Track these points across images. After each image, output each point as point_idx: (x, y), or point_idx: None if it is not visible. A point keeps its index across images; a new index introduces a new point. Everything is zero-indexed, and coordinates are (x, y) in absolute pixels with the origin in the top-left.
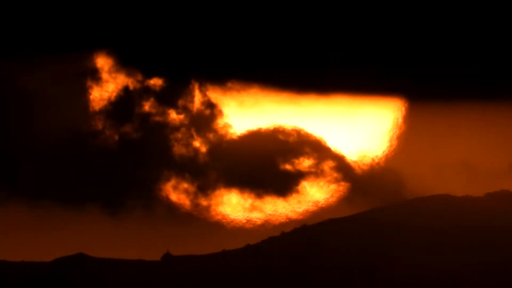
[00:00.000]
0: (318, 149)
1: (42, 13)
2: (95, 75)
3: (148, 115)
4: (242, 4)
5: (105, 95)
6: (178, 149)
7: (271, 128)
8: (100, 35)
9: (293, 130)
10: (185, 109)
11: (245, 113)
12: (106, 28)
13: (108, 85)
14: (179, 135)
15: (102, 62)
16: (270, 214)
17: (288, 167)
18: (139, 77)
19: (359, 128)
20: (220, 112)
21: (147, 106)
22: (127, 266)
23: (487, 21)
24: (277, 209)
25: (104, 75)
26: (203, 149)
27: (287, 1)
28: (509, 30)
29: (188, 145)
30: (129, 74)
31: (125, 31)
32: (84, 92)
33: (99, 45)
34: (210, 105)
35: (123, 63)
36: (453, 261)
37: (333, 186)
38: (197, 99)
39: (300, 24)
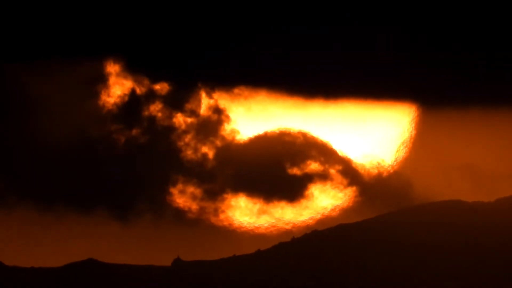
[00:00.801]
0: (326, 154)
1: (51, 19)
2: (103, 80)
3: (155, 120)
4: (249, 10)
5: (113, 100)
6: (186, 154)
7: (277, 131)
8: (108, 41)
9: (299, 133)
10: (193, 114)
11: (252, 118)
12: (113, 33)
13: (115, 90)
14: (187, 140)
15: (110, 67)
16: (278, 219)
17: (295, 171)
18: (146, 82)
19: (368, 133)
20: (227, 117)
21: (154, 111)
22: (138, 272)
23: (497, 28)
24: (285, 214)
25: (112, 80)
26: (211, 154)
27: (294, 8)
28: None
29: (196, 150)
30: (136, 79)
31: (132, 36)
32: (92, 97)
33: (107, 51)
34: (217, 111)
35: (131, 68)
36: (464, 267)
37: (341, 191)
38: (204, 104)
39: (307, 29)
